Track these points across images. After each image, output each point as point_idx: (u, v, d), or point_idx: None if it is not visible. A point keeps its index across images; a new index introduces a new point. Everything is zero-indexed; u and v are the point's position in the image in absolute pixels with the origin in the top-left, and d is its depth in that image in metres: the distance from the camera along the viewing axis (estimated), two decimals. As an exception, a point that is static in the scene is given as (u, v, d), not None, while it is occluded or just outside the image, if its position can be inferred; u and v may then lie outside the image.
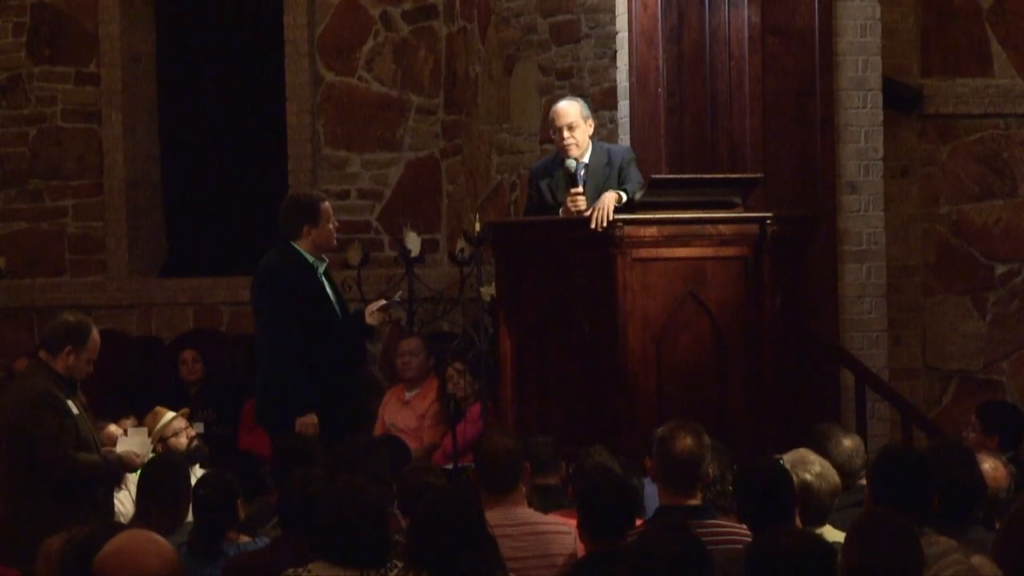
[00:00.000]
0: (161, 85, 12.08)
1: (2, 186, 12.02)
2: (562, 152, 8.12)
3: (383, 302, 8.41)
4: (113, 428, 7.98)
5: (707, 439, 5.66)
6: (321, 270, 8.26)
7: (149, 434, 8.42)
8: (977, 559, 3.90)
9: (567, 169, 8.05)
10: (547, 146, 9.84)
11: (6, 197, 12.00)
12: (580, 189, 7.92)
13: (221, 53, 12.05)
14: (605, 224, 7.58)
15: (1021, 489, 6.26)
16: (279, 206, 8.42)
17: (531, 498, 6.17)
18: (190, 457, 7.88)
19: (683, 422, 5.72)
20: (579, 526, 5.37)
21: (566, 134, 8.11)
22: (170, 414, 8.46)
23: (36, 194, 11.99)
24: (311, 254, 8.20)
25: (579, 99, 8.41)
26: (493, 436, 6.06)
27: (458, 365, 9.47)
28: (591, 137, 8.21)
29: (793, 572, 4.25)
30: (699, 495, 5.62)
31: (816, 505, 5.63)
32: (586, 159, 8.12)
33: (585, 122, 8.14)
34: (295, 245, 8.18)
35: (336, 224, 8.36)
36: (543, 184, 8.22)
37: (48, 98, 11.93)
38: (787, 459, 5.71)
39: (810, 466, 5.69)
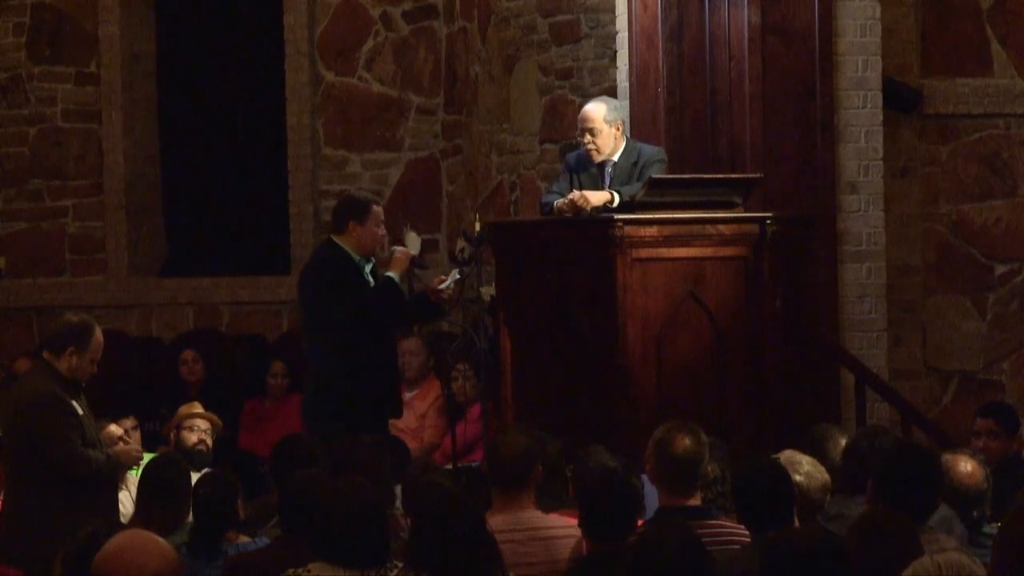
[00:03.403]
0: (161, 85, 12.08)
1: (2, 186, 12.01)
2: (587, 154, 8.21)
3: (444, 279, 8.33)
4: (113, 428, 7.95)
5: (705, 438, 5.64)
6: (368, 268, 8.13)
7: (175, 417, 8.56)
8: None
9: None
10: (547, 146, 9.85)
11: (6, 197, 12.00)
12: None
13: (221, 53, 12.05)
14: (584, 204, 7.67)
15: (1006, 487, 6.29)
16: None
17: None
18: (193, 461, 7.88)
19: (681, 422, 5.71)
20: (580, 526, 5.36)
21: (587, 138, 8.21)
22: (201, 410, 8.57)
23: (36, 194, 11.98)
24: (355, 252, 8.12)
25: (609, 101, 8.43)
26: (509, 435, 5.97)
27: (461, 367, 9.45)
28: (627, 136, 8.30)
29: (807, 570, 4.23)
30: (699, 495, 5.61)
31: (807, 504, 5.63)
32: (616, 157, 8.19)
33: (610, 127, 8.18)
34: (339, 241, 8.13)
35: (384, 231, 8.23)
36: (574, 177, 8.28)
37: (48, 98, 11.92)
38: (774, 462, 5.72)
39: (798, 466, 5.70)
